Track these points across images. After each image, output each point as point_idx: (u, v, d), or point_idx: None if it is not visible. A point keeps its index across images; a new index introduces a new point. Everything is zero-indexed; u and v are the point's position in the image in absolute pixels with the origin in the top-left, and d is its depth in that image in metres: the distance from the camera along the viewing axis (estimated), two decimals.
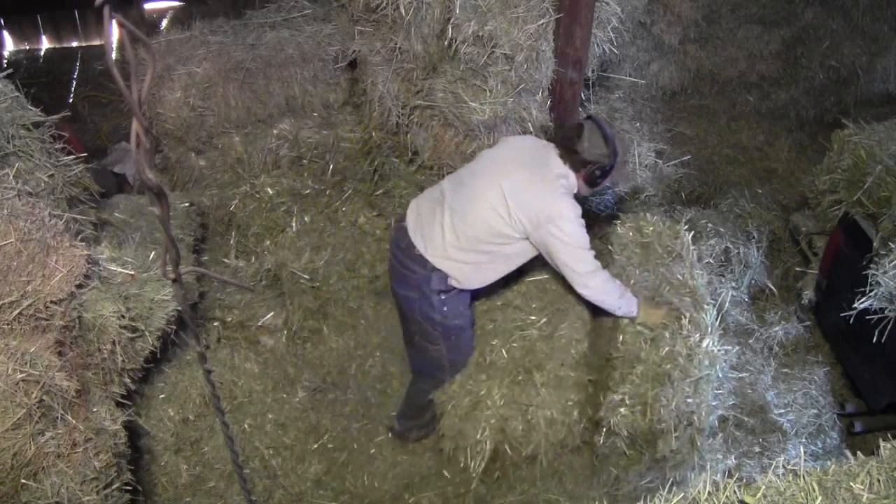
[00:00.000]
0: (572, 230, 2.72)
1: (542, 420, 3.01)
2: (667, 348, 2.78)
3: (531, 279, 3.48)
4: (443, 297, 2.92)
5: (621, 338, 2.89)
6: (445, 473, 3.31)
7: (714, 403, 2.91)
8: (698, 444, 2.83)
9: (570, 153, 2.80)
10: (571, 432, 3.06)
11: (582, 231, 2.75)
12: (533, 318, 3.27)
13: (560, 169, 2.82)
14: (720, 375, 3.04)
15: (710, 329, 2.82)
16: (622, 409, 2.75)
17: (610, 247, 3.26)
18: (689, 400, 2.71)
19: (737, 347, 3.48)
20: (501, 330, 3.26)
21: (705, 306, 2.88)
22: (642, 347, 2.82)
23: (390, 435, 3.50)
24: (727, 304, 3.06)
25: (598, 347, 3.20)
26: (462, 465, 3.10)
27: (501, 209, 2.75)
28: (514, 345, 3.19)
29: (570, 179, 2.83)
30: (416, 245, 2.88)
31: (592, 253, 2.78)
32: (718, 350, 2.84)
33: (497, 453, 3.07)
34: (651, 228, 3.22)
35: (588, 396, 3.09)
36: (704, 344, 2.78)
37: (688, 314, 2.84)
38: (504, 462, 3.15)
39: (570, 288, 2.96)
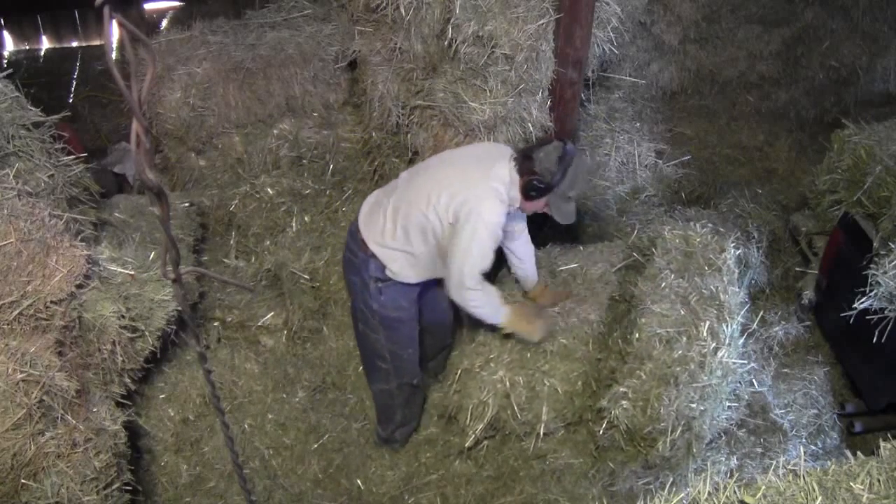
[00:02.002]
0: (482, 235, 2.67)
1: (546, 387, 3.05)
2: (680, 352, 2.80)
3: (558, 269, 3.53)
4: (380, 286, 2.93)
5: (637, 335, 2.92)
6: (442, 434, 3.40)
7: (725, 416, 2.93)
8: (694, 450, 2.85)
9: (524, 158, 2.78)
10: (572, 403, 3.09)
11: (490, 243, 2.70)
12: None
13: (503, 173, 2.77)
14: (736, 388, 3.05)
15: (727, 341, 2.84)
16: (624, 403, 2.78)
17: (654, 249, 3.31)
18: (693, 405, 2.72)
19: (753, 364, 3.49)
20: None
21: (728, 318, 2.90)
22: (655, 347, 2.85)
23: (377, 443, 3.51)
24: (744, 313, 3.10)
25: (612, 331, 3.25)
26: (462, 425, 3.14)
27: (437, 202, 2.73)
28: None
29: (509, 186, 2.77)
30: (360, 229, 2.92)
31: (485, 270, 2.75)
32: (734, 364, 2.85)
33: (499, 420, 3.10)
34: (698, 240, 3.27)
35: (595, 372, 3.15)
36: (719, 355, 2.79)
37: (707, 323, 2.85)
38: (504, 430, 3.18)
39: (593, 279, 3.24)
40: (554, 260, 3.60)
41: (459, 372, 3.18)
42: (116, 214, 3.37)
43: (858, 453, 1.94)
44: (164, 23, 6.59)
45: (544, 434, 3.12)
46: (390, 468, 3.43)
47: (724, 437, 3.22)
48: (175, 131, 3.80)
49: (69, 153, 2.87)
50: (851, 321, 3.06)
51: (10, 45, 6.83)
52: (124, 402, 2.79)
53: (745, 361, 3.11)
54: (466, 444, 3.15)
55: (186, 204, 3.74)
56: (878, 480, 1.81)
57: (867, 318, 3.03)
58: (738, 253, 3.38)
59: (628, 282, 3.49)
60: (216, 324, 3.68)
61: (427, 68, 3.72)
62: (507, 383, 3.04)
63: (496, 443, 3.29)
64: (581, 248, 3.68)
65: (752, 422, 3.34)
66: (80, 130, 5.20)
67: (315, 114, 4.05)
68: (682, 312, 2.96)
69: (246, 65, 3.75)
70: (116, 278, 2.78)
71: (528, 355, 3.12)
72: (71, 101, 5.94)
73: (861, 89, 5.37)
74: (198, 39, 3.90)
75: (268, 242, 3.91)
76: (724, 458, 3.13)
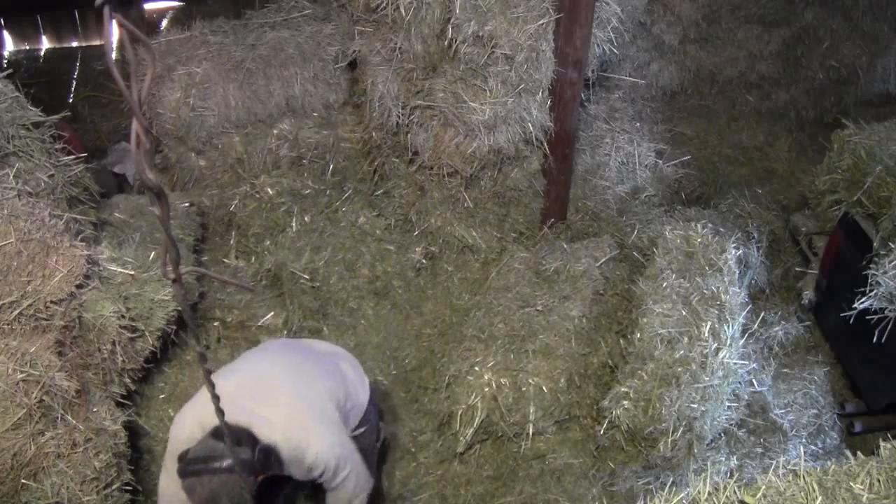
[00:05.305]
0: None
1: (531, 386, 3.08)
2: (681, 352, 2.80)
3: (543, 268, 3.54)
4: None
5: (639, 335, 2.92)
6: (438, 439, 3.38)
7: (725, 416, 2.94)
8: (695, 450, 2.85)
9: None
10: (558, 400, 3.11)
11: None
12: (537, 299, 3.36)
13: None
14: (736, 388, 3.06)
15: (728, 341, 2.84)
16: (626, 403, 2.78)
17: (654, 249, 3.32)
18: (694, 406, 2.72)
19: (753, 364, 3.50)
20: (505, 308, 3.36)
21: (729, 319, 2.90)
22: (657, 347, 2.85)
23: None
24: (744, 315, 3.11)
25: (600, 325, 3.26)
26: (454, 430, 3.16)
27: None
28: (514, 317, 3.29)
29: None
30: None
31: None
32: (735, 364, 2.85)
33: (490, 423, 3.12)
34: (699, 240, 3.29)
35: (580, 367, 3.17)
36: (720, 355, 2.79)
37: (708, 323, 2.85)
38: (496, 433, 3.20)
39: (576, 275, 3.20)
40: (539, 259, 3.62)
41: (448, 378, 3.20)
42: (116, 214, 3.37)
43: (858, 453, 1.94)
44: (164, 23, 6.58)
45: (535, 433, 3.14)
46: (389, 469, 3.42)
47: (724, 437, 3.22)
48: (175, 131, 3.80)
49: (69, 153, 2.87)
50: (851, 321, 3.06)
51: (10, 45, 6.82)
52: (124, 402, 2.79)
53: (746, 362, 3.12)
54: (458, 450, 3.16)
55: (186, 204, 3.74)
56: (878, 480, 1.81)
57: (867, 318, 3.03)
58: (738, 253, 3.38)
59: (618, 276, 3.51)
60: (216, 324, 3.68)
61: (427, 68, 3.72)
62: (494, 386, 3.06)
63: (490, 445, 3.30)
64: (565, 246, 3.69)
65: (752, 422, 3.34)
66: (80, 130, 5.18)
67: (315, 114, 4.05)
68: (684, 313, 2.96)
69: (246, 65, 3.74)
70: (116, 278, 2.78)
71: (512, 356, 3.14)
72: (71, 101, 5.93)
73: (861, 89, 5.37)
74: (198, 39, 3.90)
75: (268, 242, 3.91)
76: (724, 458, 3.13)
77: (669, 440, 2.74)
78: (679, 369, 2.76)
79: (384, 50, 3.77)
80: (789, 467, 1.87)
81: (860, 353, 3.54)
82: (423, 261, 4.06)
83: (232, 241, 4.02)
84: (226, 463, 1.97)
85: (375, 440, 2.82)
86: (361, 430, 2.63)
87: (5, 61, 6.53)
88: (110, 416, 2.59)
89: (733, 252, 3.28)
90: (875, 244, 3.27)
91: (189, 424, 2.17)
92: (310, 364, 2.46)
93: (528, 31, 3.33)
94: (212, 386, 1.56)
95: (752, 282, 4.06)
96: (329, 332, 3.81)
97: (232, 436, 1.97)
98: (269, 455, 2.09)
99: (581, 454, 3.18)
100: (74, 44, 6.87)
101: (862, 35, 5.20)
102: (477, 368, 3.12)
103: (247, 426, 2.07)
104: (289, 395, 2.26)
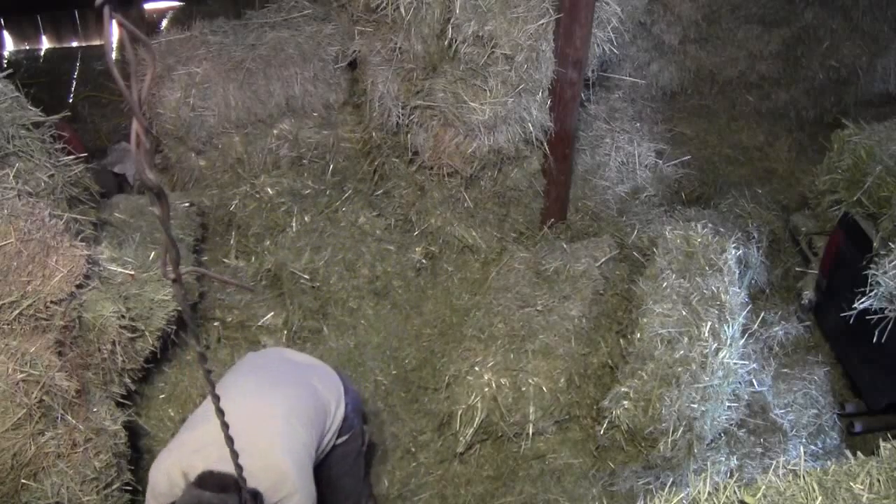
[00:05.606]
0: None
1: (531, 386, 3.08)
2: (681, 352, 2.81)
3: (543, 268, 3.54)
4: None
5: (639, 335, 2.92)
6: (438, 439, 3.38)
7: (725, 416, 2.94)
8: (695, 450, 2.85)
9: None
10: (558, 400, 3.12)
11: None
12: (537, 299, 3.37)
13: None
14: (736, 388, 3.06)
15: (728, 341, 2.85)
16: (626, 403, 2.78)
17: (654, 249, 3.32)
18: (694, 406, 2.73)
19: (753, 364, 3.51)
20: (505, 308, 3.36)
21: (729, 319, 2.91)
22: (657, 347, 2.85)
23: None
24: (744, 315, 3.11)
25: (600, 325, 3.26)
26: (454, 431, 3.17)
27: None
28: (514, 317, 3.30)
29: None
30: None
31: None
32: (735, 364, 2.86)
33: (490, 423, 3.13)
34: (699, 240, 3.30)
35: (580, 367, 3.18)
36: (720, 355, 2.80)
37: (709, 323, 2.86)
38: (496, 433, 3.20)
39: (576, 275, 3.18)
40: (539, 259, 3.62)
41: (448, 378, 3.21)
42: (116, 214, 3.37)
43: (858, 453, 1.94)
44: (164, 23, 6.58)
45: (535, 433, 3.14)
46: (389, 469, 3.42)
47: (724, 437, 3.22)
48: (175, 131, 3.80)
49: (69, 153, 2.87)
50: (851, 321, 3.06)
51: (10, 45, 6.82)
52: (124, 402, 2.79)
53: (746, 362, 3.12)
54: (458, 450, 3.16)
55: (186, 204, 3.74)
56: (878, 480, 1.81)
57: (867, 318, 3.03)
58: (738, 253, 3.38)
59: (618, 276, 3.51)
60: (216, 324, 3.68)
61: (427, 68, 3.72)
62: (494, 386, 3.06)
63: (490, 445, 3.30)
64: (565, 246, 3.69)
65: (752, 422, 3.34)
66: (80, 130, 5.18)
67: (315, 114, 4.05)
68: (684, 313, 2.97)
69: (246, 65, 3.75)
70: (116, 278, 2.78)
71: (512, 356, 3.14)
72: (71, 101, 5.93)
73: (861, 89, 5.37)
74: (198, 39, 3.90)
75: (268, 242, 3.91)
76: (724, 458, 3.13)
77: (669, 440, 2.75)
78: (679, 369, 2.77)
79: (384, 50, 3.77)
80: (789, 467, 1.87)
81: (860, 353, 3.54)
82: (423, 261, 4.06)
83: (232, 241, 4.02)
84: None
85: (360, 444, 2.85)
86: (345, 437, 2.66)
87: (5, 61, 6.53)
88: (110, 416, 2.59)
89: (733, 252, 3.28)
90: (875, 244, 3.27)
91: (171, 471, 2.18)
92: (291, 386, 2.47)
93: (528, 31, 3.33)
94: (212, 386, 1.56)
95: (752, 282, 4.06)
96: (329, 332, 3.81)
97: (219, 483, 2.03)
98: (255, 499, 2.13)
99: (581, 454, 3.18)
100: (74, 44, 6.87)
101: (862, 35, 5.20)
102: (477, 368, 3.13)
103: (231, 473, 2.05)
104: (274, 440, 2.27)
